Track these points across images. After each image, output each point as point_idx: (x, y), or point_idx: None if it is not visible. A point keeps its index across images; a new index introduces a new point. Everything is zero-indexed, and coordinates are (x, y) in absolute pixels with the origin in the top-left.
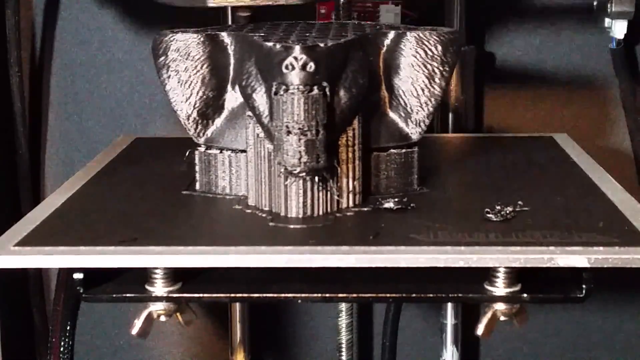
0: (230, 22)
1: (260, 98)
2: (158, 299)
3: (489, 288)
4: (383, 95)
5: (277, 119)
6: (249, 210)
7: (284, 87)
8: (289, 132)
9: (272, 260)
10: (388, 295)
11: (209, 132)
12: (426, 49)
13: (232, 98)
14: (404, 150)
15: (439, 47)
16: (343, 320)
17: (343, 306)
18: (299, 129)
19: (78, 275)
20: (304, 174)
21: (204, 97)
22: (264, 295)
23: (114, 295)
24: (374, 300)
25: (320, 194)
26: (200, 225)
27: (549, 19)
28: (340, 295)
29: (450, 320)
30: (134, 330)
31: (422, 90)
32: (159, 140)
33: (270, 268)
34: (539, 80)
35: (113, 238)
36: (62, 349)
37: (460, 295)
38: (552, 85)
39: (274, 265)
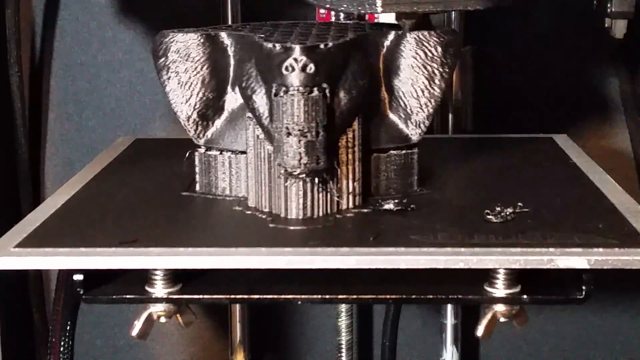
0: (230, 23)
1: (260, 99)
2: (158, 300)
3: (489, 289)
4: (383, 97)
5: (277, 121)
6: (249, 212)
7: (283, 88)
8: (289, 134)
9: (272, 261)
10: (388, 296)
11: (209, 134)
12: (426, 50)
13: (232, 99)
14: (403, 152)
15: (439, 49)
16: (343, 321)
17: (343, 307)
18: (299, 130)
19: (78, 277)
20: (303, 175)
21: (204, 98)
22: (264, 296)
23: (114, 297)
24: (374, 301)
25: (320, 195)
26: (200, 227)
27: (548, 19)
28: (340, 296)
29: (450, 320)
30: (134, 332)
31: (422, 91)
32: (159, 142)
33: (270, 269)
34: (539, 81)
35: (113, 239)
36: (62, 349)
37: (460, 296)
38: (552, 85)
39: (274, 266)
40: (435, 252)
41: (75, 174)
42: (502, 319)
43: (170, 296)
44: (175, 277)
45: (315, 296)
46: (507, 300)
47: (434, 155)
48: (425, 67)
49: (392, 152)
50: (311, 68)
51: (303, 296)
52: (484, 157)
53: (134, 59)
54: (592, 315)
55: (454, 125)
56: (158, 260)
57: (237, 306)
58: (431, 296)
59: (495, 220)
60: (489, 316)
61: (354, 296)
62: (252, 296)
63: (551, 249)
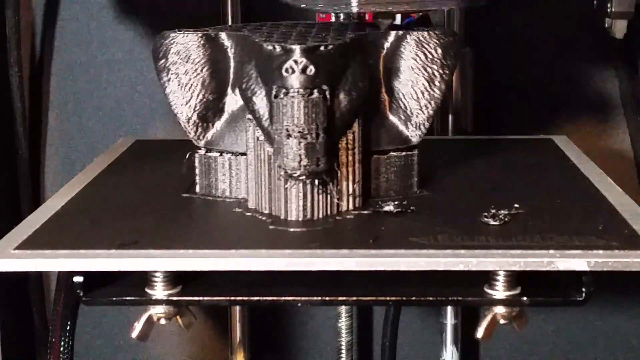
0: (230, 23)
1: (260, 101)
2: (158, 302)
3: (489, 291)
4: (383, 98)
5: (277, 122)
6: (249, 213)
7: (284, 90)
8: (289, 135)
9: (272, 263)
10: (388, 298)
11: (209, 135)
12: (426, 51)
13: (232, 101)
14: (403, 153)
15: (439, 50)
16: (343, 322)
17: (343, 308)
18: (299, 132)
19: (78, 279)
20: (304, 177)
21: (204, 100)
22: (264, 298)
23: (114, 299)
24: (374, 303)
25: (320, 197)
26: (200, 228)
27: (548, 19)
28: (340, 298)
29: (450, 320)
30: (134, 333)
31: (422, 93)
32: (159, 143)
33: (270, 271)
34: (539, 81)
35: (113, 241)
36: (62, 349)
37: (460, 298)
38: (552, 85)
39: (274, 268)
40: (435, 254)
41: (75, 174)
42: (502, 321)
43: (170, 298)
44: (175, 278)
45: (315, 298)
46: (507, 302)
47: (433, 156)
48: (425, 69)
49: (392, 153)
50: (311, 70)
51: (303, 298)
52: (484, 158)
53: (134, 59)
54: (592, 316)
55: (453, 126)
56: (158, 262)
57: (237, 307)
58: (431, 298)
59: (492, 222)
60: (488, 318)
61: (354, 298)
62: (252, 298)
63: (551, 251)
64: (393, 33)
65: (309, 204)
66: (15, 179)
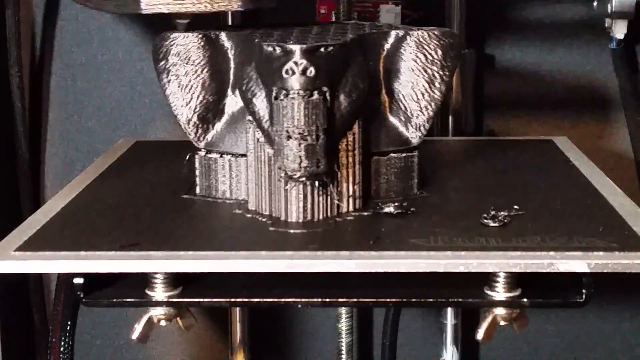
0: (230, 23)
1: (260, 103)
2: (158, 303)
3: (489, 293)
4: (383, 100)
5: (277, 124)
6: (249, 215)
7: (284, 91)
8: (289, 137)
9: (272, 265)
10: (388, 299)
11: (209, 137)
12: (426, 53)
13: (233, 102)
14: (404, 155)
15: (439, 52)
16: (343, 323)
17: (343, 309)
18: (299, 133)
19: (78, 280)
20: (304, 178)
21: (204, 101)
22: (264, 299)
23: (114, 300)
24: (374, 304)
25: (321, 198)
26: (201, 230)
27: (548, 20)
28: (340, 299)
29: (450, 320)
30: (134, 335)
31: (422, 94)
32: (159, 144)
33: (270, 272)
34: (539, 82)
35: (113, 243)
36: (62, 349)
37: (460, 300)
38: (552, 86)
39: (274, 270)
40: (435, 256)
41: (75, 174)
42: (502, 322)
43: (171, 299)
44: (175, 280)
45: (315, 299)
46: (507, 303)
47: (434, 157)
48: (425, 70)
49: (392, 155)
50: (311, 71)
51: (303, 299)
52: (484, 159)
53: (134, 59)
54: (592, 316)
55: (454, 127)
56: (158, 264)
57: (237, 307)
58: (431, 299)
59: (492, 224)
60: (489, 319)
61: (354, 299)
62: (252, 299)
63: (551, 253)
64: (393, 34)
65: (309, 206)
66: (15, 179)
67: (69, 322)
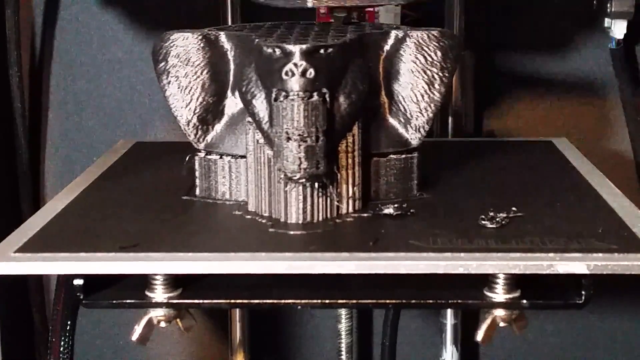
0: (230, 23)
1: (260, 104)
2: (158, 305)
3: (489, 294)
4: (383, 101)
5: (277, 125)
6: (248, 216)
7: (283, 93)
8: (288, 139)
9: (272, 266)
10: (388, 301)
11: (209, 138)
12: (426, 55)
13: (232, 104)
14: (403, 156)
15: (439, 53)
16: (343, 324)
17: (343, 310)
18: (299, 135)
19: (78, 282)
20: (303, 180)
21: (204, 102)
22: (264, 301)
23: (114, 302)
24: (374, 306)
25: (320, 199)
26: (200, 231)
27: (548, 20)
28: (340, 301)
29: (450, 320)
30: (134, 336)
31: (422, 96)
32: (159, 145)
33: (270, 274)
34: (538, 83)
35: (113, 244)
36: (62, 349)
37: (459, 301)
38: (552, 86)
39: (274, 271)
40: (434, 257)
41: (75, 174)
42: (501, 324)
43: (170, 301)
44: (175, 281)
45: (315, 301)
46: (507, 305)
47: (433, 158)
48: (425, 72)
49: (391, 156)
50: (311, 73)
51: (303, 301)
52: (484, 160)
53: (134, 59)
54: (592, 315)
55: (453, 128)
56: (158, 265)
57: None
58: (431, 301)
59: (490, 226)
60: (488, 321)
61: (354, 301)
62: (252, 301)
63: (551, 254)
64: (393, 35)
65: (308, 207)
66: (15, 179)
67: (69, 322)
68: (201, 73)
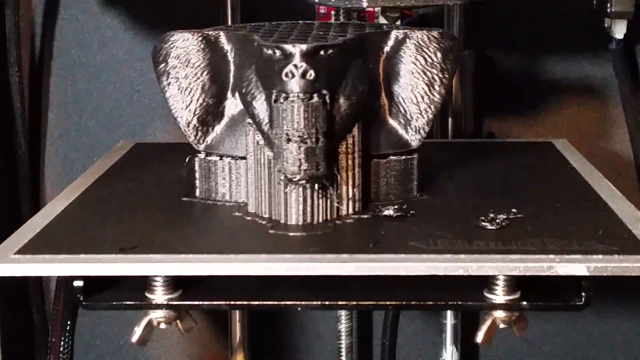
0: (230, 23)
1: (260, 105)
2: (158, 306)
3: (489, 296)
4: (383, 102)
5: (277, 127)
6: (248, 218)
7: (284, 94)
8: (288, 140)
9: (272, 268)
10: (387, 303)
11: (209, 139)
12: (426, 56)
13: (232, 105)
14: (403, 157)
15: (439, 55)
16: (343, 325)
17: (343, 310)
18: (299, 136)
19: (78, 283)
20: (303, 181)
21: (204, 104)
22: (264, 302)
23: (114, 303)
24: (374, 307)
25: (320, 201)
26: (200, 233)
27: (548, 20)
28: (339, 302)
29: (450, 320)
30: (134, 338)
31: (422, 97)
32: (159, 146)
33: (270, 275)
34: (538, 84)
35: (113, 246)
36: (62, 349)
37: (459, 303)
38: (551, 87)
39: (274, 273)
40: (434, 259)
41: (75, 174)
42: (501, 325)
43: (170, 302)
44: (175, 283)
45: (314, 302)
46: (507, 306)
47: (433, 160)
48: (425, 73)
49: (391, 157)
50: (311, 74)
51: (303, 302)
52: (484, 161)
53: (134, 59)
54: (592, 315)
55: (453, 129)
56: (158, 267)
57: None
58: (431, 302)
59: (490, 227)
60: (488, 322)
61: (354, 302)
62: (252, 302)
63: (551, 256)
64: (393, 37)
65: (308, 208)
66: (15, 179)
67: (69, 322)
68: (201, 74)
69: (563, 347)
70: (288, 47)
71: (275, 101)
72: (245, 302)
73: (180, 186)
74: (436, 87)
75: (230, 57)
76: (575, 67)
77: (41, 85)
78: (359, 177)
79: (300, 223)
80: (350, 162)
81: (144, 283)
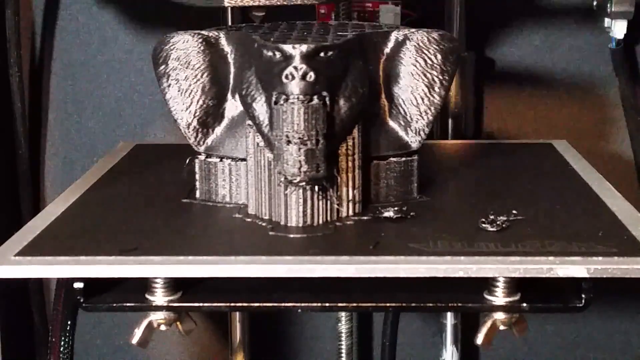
0: (230, 23)
1: (260, 107)
2: (158, 308)
3: (489, 297)
4: (383, 104)
5: (277, 129)
6: (249, 219)
7: (284, 96)
8: (289, 142)
9: (272, 270)
10: (387, 304)
11: (209, 141)
12: (426, 57)
13: (232, 107)
14: (403, 159)
15: (439, 56)
16: (343, 326)
17: (343, 312)
18: (299, 138)
19: (78, 285)
20: (303, 183)
21: (204, 105)
22: (264, 304)
23: (114, 305)
24: (374, 309)
25: (320, 203)
26: (201, 234)
27: (548, 21)
28: (339, 304)
29: (450, 320)
30: (134, 340)
31: (422, 99)
32: (159, 147)
33: (270, 277)
34: (539, 84)
35: (113, 247)
36: (62, 348)
37: (459, 304)
38: (552, 87)
39: (274, 275)
40: (434, 261)
41: (75, 174)
42: (501, 327)
43: (171, 304)
44: (175, 285)
45: (314, 304)
46: (507, 308)
47: (433, 160)
48: (425, 75)
49: (392, 159)
50: (311, 76)
51: (303, 304)
52: (484, 163)
53: (134, 59)
54: (592, 315)
55: (453, 130)
56: (158, 269)
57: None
58: (431, 304)
59: (490, 229)
60: (488, 324)
61: (354, 304)
62: (252, 304)
63: (551, 258)
64: (393, 38)
65: (309, 210)
66: (15, 179)
67: (69, 322)
68: (201, 76)
69: (563, 347)
70: (288, 49)
71: (276, 103)
72: (245, 304)
73: (181, 188)
74: (436, 88)
75: (231, 58)
76: (575, 67)
77: (41, 85)
78: (359, 178)
79: (300, 225)
80: (350, 163)
81: (144, 285)
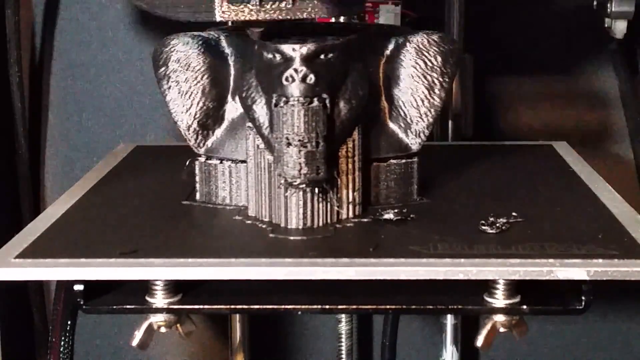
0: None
1: (260, 109)
2: (158, 310)
3: (489, 300)
4: (383, 106)
5: (277, 131)
6: (249, 221)
7: (284, 98)
8: (289, 144)
9: (272, 272)
10: (387, 307)
11: (209, 143)
12: (426, 60)
13: (233, 109)
14: (403, 161)
15: (439, 58)
16: (343, 327)
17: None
18: (299, 140)
19: (78, 287)
20: (304, 185)
21: (205, 107)
22: (264, 306)
23: (114, 307)
24: (374, 311)
25: (320, 205)
26: (201, 237)
27: (548, 21)
28: (339, 306)
29: (450, 321)
30: (134, 342)
31: (422, 101)
32: (159, 149)
33: (270, 279)
34: (538, 85)
35: (113, 250)
36: (62, 349)
37: (459, 307)
38: (552, 88)
39: (274, 277)
40: (434, 263)
41: (75, 175)
42: (501, 329)
43: (171, 306)
44: (175, 287)
45: (314, 306)
46: (507, 310)
47: (433, 162)
48: (425, 77)
49: (391, 161)
50: (311, 78)
51: (303, 306)
52: (484, 164)
53: (134, 59)
54: (592, 315)
55: (453, 132)
56: (158, 271)
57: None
58: (431, 307)
59: (490, 231)
60: (488, 326)
61: (354, 306)
62: (252, 306)
63: (550, 260)
64: (393, 40)
65: (309, 212)
66: (15, 179)
67: (69, 323)
68: (201, 78)
69: (563, 347)
70: (288, 51)
71: (276, 105)
72: (245, 306)
73: (181, 190)
74: (436, 90)
75: (231, 60)
76: (576, 68)
77: (41, 85)
78: (359, 180)
79: (300, 227)
80: (350, 165)
81: (144, 287)
